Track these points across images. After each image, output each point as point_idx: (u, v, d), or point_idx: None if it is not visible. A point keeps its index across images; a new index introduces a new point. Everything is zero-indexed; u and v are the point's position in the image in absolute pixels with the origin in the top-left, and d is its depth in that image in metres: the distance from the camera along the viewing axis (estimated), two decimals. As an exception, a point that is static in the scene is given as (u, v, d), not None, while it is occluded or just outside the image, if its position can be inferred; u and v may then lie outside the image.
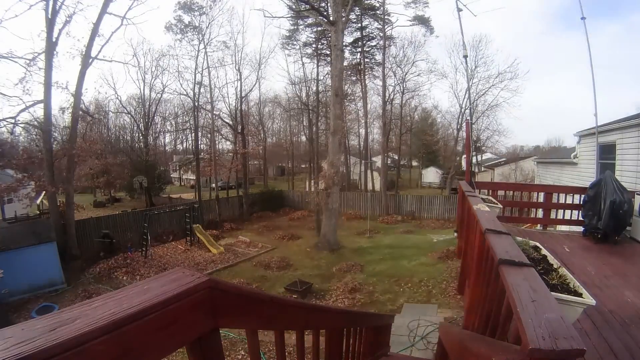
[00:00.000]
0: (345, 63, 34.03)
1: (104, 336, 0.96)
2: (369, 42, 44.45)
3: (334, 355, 3.44)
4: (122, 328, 1.00)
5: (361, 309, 14.04)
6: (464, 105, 41.79)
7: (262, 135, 54.37)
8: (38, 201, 30.34)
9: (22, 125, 23.18)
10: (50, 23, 20.61)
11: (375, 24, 42.82)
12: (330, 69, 28.70)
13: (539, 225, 10.72)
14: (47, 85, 20.76)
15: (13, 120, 21.12)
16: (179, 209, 27.47)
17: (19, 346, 0.86)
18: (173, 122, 64.37)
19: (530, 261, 2.37)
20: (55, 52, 21.13)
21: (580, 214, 8.45)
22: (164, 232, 25.90)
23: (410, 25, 41.01)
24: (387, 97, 41.29)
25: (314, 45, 43.44)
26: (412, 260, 20.15)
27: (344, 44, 27.66)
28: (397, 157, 57.13)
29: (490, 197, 8.27)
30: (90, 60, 22.76)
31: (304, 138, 56.17)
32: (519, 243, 3.49)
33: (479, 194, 8.04)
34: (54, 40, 20.79)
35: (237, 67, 39.95)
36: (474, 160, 34.89)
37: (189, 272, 1.33)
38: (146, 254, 21.44)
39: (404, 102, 46.53)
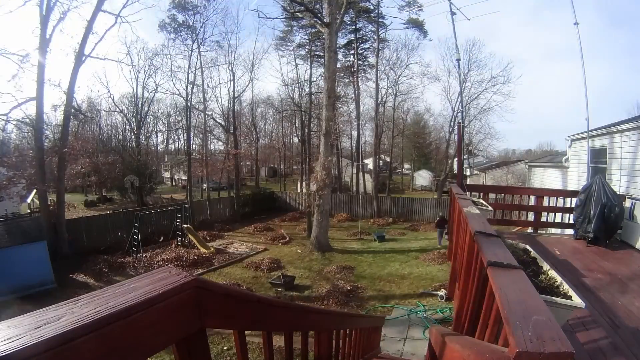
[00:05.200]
0: (338, 65, 34.06)
1: (88, 334, 0.96)
2: (362, 45, 44.62)
3: (323, 356, 3.43)
4: (107, 326, 1.00)
5: (352, 310, 14.04)
6: (456, 109, 42.04)
7: (254, 136, 54.46)
8: (29, 200, 30.11)
9: (14, 122, 23.05)
10: (44, 20, 20.49)
11: (370, 27, 42.90)
12: (323, 70, 28.67)
13: (530, 228, 10.76)
14: (40, 82, 20.61)
15: (5, 117, 20.95)
16: (170, 209, 27.34)
17: (4, 343, 0.86)
18: (165, 122, 64.38)
19: (520, 264, 2.37)
20: (48, 49, 20.99)
21: (571, 217, 8.49)
22: (154, 232, 25.75)
23: (404, 29, 41.12)
24: (379, 100, 41.34)
25: (307, 47, 43.51)
26: (403, 263, 20.15)
27: (337, 45, 27.67)
28: (389, 160, 57.19)
29: (481, 200, 8.31)
30: (84, 58, 22.60)
31: (296, 139, 56.18)
32: (509, 246, 3.50)
33: (470, 196, 8.07)
34: (47, 37, 20.67)
35: (230, 68, 39.93)
36: (465, 163, 35.01)
37: (175, 272, 1.33)
38: (136, 254, 21.34)
39: (396, 104, 46.70)
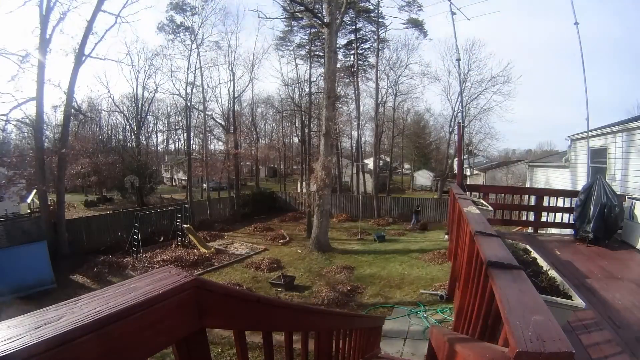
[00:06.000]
0: (338, 65, 34.07)
1: (88, 334, 0.96)
2: (362, 45, 44.53)
3: (323, 356, 3.43)
4: (107, 326, 1.00)
5: (352, 310, 14.05)
6: (456, 109, 42.00)
7: (254, 136, 54.44)
8: (29, 200, 30.10)
9: (14, 122, 22.97)
10: (44, 20, 20.49)
11: (369, 27, 42.86)
12: (323, 70, 28.67)
13: (530, 228, 10.76)
14: (40, 82, 20.61)
15: (5, 117, 20.92)
16: (170, 209, 27.32)
17: (4, 343, 0.86)
18: (165, 122, 64.42)
19: (520, 264, 2.37)
20: (48, 49, 20.98)
21: (571, 217, 8.49)
22: (154, 232, 25.72)
23: (404, 28, 40.99)
24: (379, 100, 41.29)
25: (307, 47, 43.45)
26: (403, 263, 20.16)
27: (337, 45, 27.68)
28: (389, 160, 57.15)
29: (482, 200, 8.31)
30: (84, 58, 22.60)
31: (296, 139, 56.27)
32: (509, 245, 3.50)
33: (470, 196, 8.07)
34: (47, 37, 20.66)
35: (230, 68, 39.93)
36: (465, 163, 34.98)
37: (175, 272, 1.33)
38: (136, 254, 21.33)
39: (396, 104, 46.63)
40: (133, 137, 46.90)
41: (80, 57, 22.36)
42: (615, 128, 11.08)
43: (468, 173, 43.68)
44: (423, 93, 67.98)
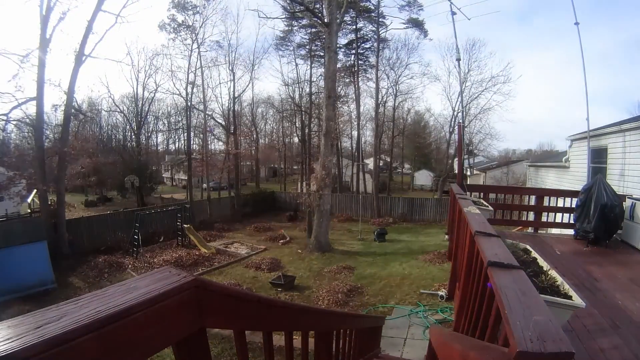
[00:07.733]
0: (339, 65, 34.07)
1: (89, 334, 0.95)
2: (363, 44, 44.64)
3: (323, 356, 3.43)
4: (107, 326, 1.00)
5: (352, 310, 14.03)
6: (456, 109, 42.10)
7: (254, 136, 54.43)
8: (29, 200, 30.05)
9: (14, 122, 22.99)
10: (44, 20, 20.49)
11: (370, 26, 42.97)
12: (323, 70, 28.67)
13: (530, 228, 10.75)
14: (40, 82, 20.61)
15: (5, 117, 20.93)
16: (170, 209, 27.26)
17: (5, 343, 0.86)
18: (165, 122, 64.30)
19: (520, 264, 2.37)
20: (48, 49, 20.98)
21: (571, 217, 8.49)
22: (155, 232, 25.70)
23: (405, 28, 41.08)
24: (380, 100, 41.39)
25: (307, 47, 43.55)
26: (403, 263, 20.13)
27: (338, 45, 27.65)
28: (389, 160, 57.15)
29: (482, 200, 8.31)
30: (84, 58, 22.57)
31: (296, 139, 56.28)
32: (509, 245, 3.49)
33: (471, 196, 8.07)
34: (47, 37, 20.66)
35: (230, 67, 39.80)
36: (465, 163, 34.95)
37: (176, 272, 1.33)
38: (137, 254, 21.33)
39: (396, 104, 46.73)
40: (133, 137, 46.92)
41: (80, 57, 22.34)
42: (616, 128, 11.08)
43: (468, 173, 43.69)
44: (423, 93, 68.47)
